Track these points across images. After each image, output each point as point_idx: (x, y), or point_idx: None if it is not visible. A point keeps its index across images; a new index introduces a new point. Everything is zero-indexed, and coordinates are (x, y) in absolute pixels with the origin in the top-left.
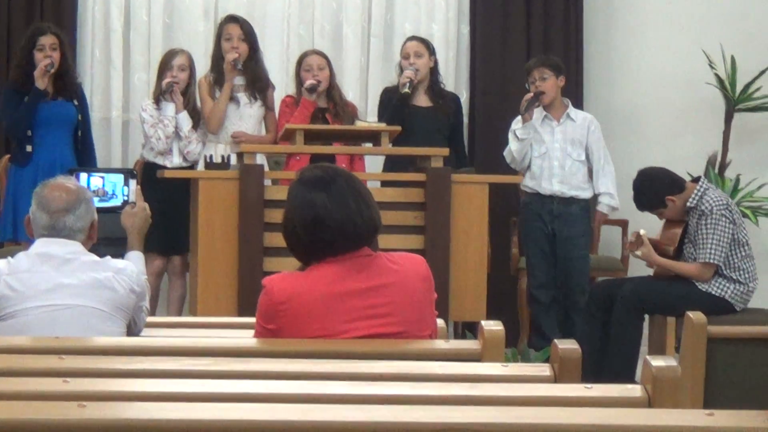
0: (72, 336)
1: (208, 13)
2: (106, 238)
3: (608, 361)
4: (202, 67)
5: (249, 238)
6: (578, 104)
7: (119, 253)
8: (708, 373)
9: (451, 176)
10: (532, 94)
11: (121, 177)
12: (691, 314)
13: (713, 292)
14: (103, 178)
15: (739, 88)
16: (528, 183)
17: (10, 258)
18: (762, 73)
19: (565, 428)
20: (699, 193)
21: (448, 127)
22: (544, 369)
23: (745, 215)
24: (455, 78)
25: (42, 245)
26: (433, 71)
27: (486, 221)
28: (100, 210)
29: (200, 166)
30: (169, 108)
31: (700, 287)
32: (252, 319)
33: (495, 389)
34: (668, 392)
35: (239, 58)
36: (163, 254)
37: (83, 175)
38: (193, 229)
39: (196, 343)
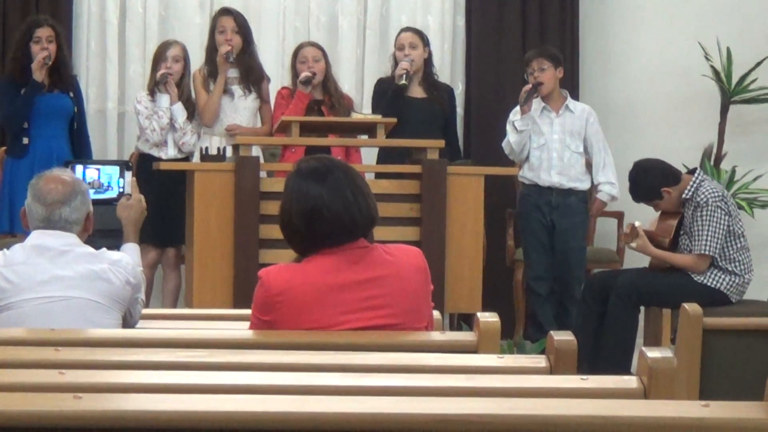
0: (67, 328)
1: (204, 5)
2: (102, 230)
3: (604, 352)
4: (198, 59)
5: (244, 230)
6: (574, 96)
7: (115, 245)
8: (703, 365)
9: (447, 168)
10: (530, 86)
11: (116, 169)
12: (686, 306)
13: (709, 284)
14: (98, 170)
15: (734, 80)
16: (526, 174)
17: (5, 250)
18: (758, 65)
19: (561, 419)
20: (695, 185)
21: (443, 118)
22: (539, 360)
23: (740, 207)
24: (451, 70)
25: (37, 237)
26: (427, 62)
27: (482, 213)
28: (95, 202)
29: (196, 158)
30: (164, 99)
31: (695, 279)
32: (247, 311)
33: (491, 381)
34: (664, 383)
35: (232, 50)
36: (158, 246)
37: (79, 167)
38: (188, 221)
39: (192, 335)
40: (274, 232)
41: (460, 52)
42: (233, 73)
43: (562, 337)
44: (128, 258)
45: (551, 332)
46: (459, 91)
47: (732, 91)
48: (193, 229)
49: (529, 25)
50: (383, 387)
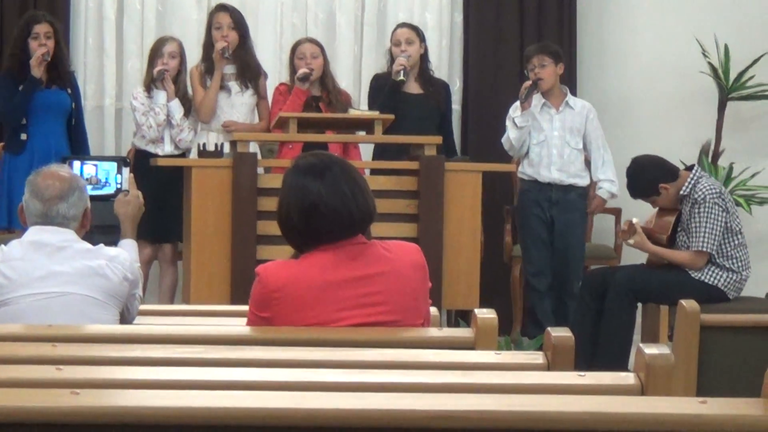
0: (65, 324)
1: (201, 1)
2: (99, 226)
3: (601, 349)
4: (196, 55)
5: (242, 226)
6: (571, 93)
7: (112, 241)
8: (701, 361)
9: (445, 164)
10: (530, 82)
11: (114, 165)
12: (684, 302)
13: (706, 281)
14: (96, 166)
15: (732, 76)
16: (526, 170)
17: (3, 246)
18: (755, 61)
19: (558, 416)
20: (692, 182)
21: (439, 114)
22: (537, 357)
23: (738, 204)
24: (448, 66)
25: (35, 233)
26: (424, 58)
27: (479, 209)
28: (93, 198)
29: (193, 154)
30: (161, 96)
31: (693, 275)
32: (245, 307)
33: (488, 377)
34: (661, 380)
35: (228, 46)
36: (154, 242)
37: (76, 163)
38: (186, 218)
39: (189, 331)
40: (271, 228)
41: (458, 49)
42: (230, 69)
43: (560, 333)
44: (126, 254)
45: (549, 329)
46: (456, 87)
47: (729, 88)
48: (191, 226)
49: (527, 22)
50: (380, 383)
